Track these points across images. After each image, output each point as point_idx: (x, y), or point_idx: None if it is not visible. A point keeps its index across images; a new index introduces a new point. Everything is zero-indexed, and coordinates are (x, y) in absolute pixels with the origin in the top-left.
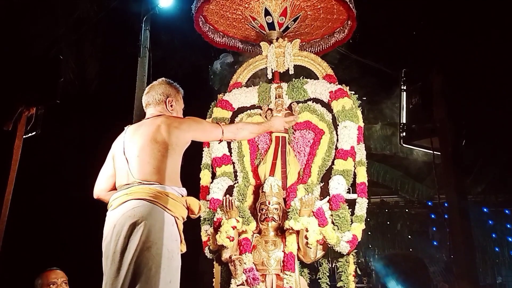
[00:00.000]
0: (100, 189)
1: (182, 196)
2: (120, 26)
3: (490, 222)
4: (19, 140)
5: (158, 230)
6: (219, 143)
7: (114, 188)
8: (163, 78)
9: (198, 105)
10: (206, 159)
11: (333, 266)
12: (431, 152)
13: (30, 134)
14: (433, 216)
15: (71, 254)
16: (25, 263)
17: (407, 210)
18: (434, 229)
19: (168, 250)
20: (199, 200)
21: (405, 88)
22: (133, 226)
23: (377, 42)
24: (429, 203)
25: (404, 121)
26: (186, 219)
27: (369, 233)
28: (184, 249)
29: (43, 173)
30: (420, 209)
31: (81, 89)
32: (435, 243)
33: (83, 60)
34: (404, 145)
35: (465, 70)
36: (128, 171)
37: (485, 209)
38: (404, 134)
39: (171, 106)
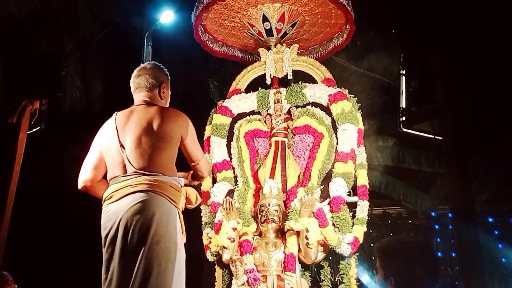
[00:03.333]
0: (86, 179)
1: (181, 186)
2: (123, 43)
3: (496, 232)
4: (23, 133)
5: (165, 223)
6: (190, 164)
7: (100, 178)
8: (154, 62)
9: (199, 118)
10: None
11: (336, 280)
12: (432, 136)
13: (34, 130)
14: (437, 227)
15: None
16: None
17: (410, 221)
18: (438, 240)
19: (175, 243)
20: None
21: (404, 72)
22: (142, 220)
23: (375, 27)
24: (433, 214)
25: (404, 106)
26: (183, 209)
27: (372, 245)
28: (184, 240)
29: (49, 190)
30: (423, 220)
31: (87, 106)
32: (439, 254)
33: (88, 77)
34: (404, 129)
35: (465, 50)
36: (126, 161)
37: (490, 219)
38: (404, 118)
39: (163, 92)
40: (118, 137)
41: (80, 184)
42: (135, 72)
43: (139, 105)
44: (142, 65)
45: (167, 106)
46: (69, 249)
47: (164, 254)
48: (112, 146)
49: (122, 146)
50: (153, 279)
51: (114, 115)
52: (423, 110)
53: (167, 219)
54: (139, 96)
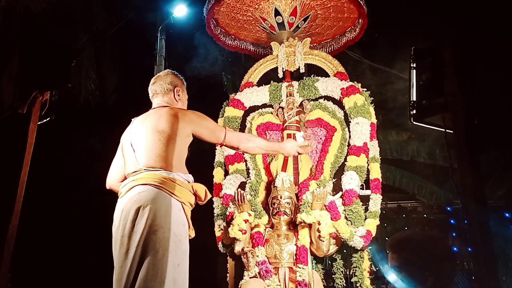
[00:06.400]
0: (112, 180)
1: (189, 182)
2: (137, 37)
3: None
4: (33, 124)
5: (164, 214)
6: (220, 146)
7: (125, 178)
8: (168, 70)
9: (212, 111)
10: (219, 157)
11: (350, 273)
12: (443, 130)
13: (45, 120)
14: (452, 221)
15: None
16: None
17: (425, 216)
18: (454, 234)
19: (176, 234)
20: (213, 197)
21: (414, 65)
22: (139, 210)
23: (386, 20)
24: (448, 208)
25: (414, 99)
26: (194, 206)
27: (386, 238)
28: (193, 234)
29: (65, 181)
30: (439, 215)
31: (102, 99)
32: (455, 249)
33: (102, 70)
34: (414, 122)
35: (476, 41)
36: (134, 159)
37: (507, 214)
38: (414, 111)
39: (178, 95)
40: (131, 138)
41: (107, 185)
42: (151, 80)
43: (154, 108)
44: (157, 74)
45: (185, 108)
46: (84, 241)
47: (161, 243)
48: (127, 147)
49: (132, 146)
50: (149, 267)
51: (132, 120)
52: (434, 103)
53: (166, 210)
54: (155, 101)
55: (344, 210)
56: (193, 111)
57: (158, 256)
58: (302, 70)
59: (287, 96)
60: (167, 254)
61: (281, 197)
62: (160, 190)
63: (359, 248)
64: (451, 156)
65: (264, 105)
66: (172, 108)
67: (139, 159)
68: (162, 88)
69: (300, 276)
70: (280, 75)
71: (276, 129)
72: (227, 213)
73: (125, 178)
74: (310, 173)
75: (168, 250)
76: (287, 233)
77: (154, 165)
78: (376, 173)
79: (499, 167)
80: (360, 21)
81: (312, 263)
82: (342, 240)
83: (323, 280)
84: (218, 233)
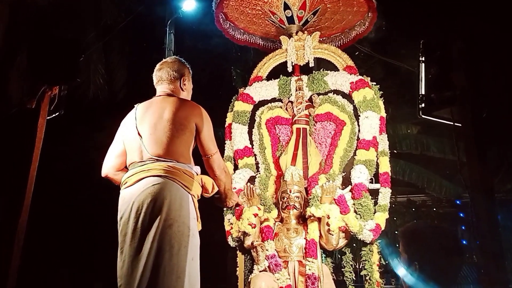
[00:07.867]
0: (108, 167)
1: (197, 174)
2: (145, 31)
3: None
4: (42, 118)
5: (178, 207)
6: (202, 157)
7: (122, 167)
8: (175, 56)
9: (221, 106)
10: (228, 152)
11: (360, 267)
12: (452, 123)
13: (54, 115)
14: (462, 215)
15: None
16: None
17: (434, 209)
18: (463, 227)
19: (188, 227)
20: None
21: (423, 59)
22: (153, 203)
23: (395, 13)
24: (458, 202)
25: (423, 92)
26: (200, 198)
27: (396, 232)
28: (200, 227)
29: (74, 177)
30: (448, 208)
31: (111, 94)
32: (464, 242)
33: (111, 65)
34: (423, 116)
35: (485, 35)
36: (142, 148)
37: None
38: (423, 105)
39: (184, 84)
40: (136, 126)
41: (103, 172)
42: (157, 66)
43: (160, 96)
44: (163, 60)
45: (189, 98)
46: (91, 235)
47: (176, 238)
48: (131, 134)
49: (139, 134)
50: (165, 261)
51: (135, 106)
52: (443, 97)
53: (180, 203)
54: (160, 88)
55: (354, 204)
56: (204, 111)
57: (174, 250)
58: (311, 64)
59: (296, 90)
60: (182, 248)
61: (290, 191)
62: (174, 182)
63: (368, 242)
64: (460, 149)
65: (274, 99)
66: (179, 98)
67: (147, 148)
68: (169, 75)
69: (309, 269)
70: (290, 69)
71: (285, 123)
72: (237, 208)
73: (125, 166)
74: (320, 167)
75: (183, 244)
76: (296, 227)
77: (163, 155)
78: (385, 167)
79: (507, 160)
80: (369, 15)
81: (322, 256)
82: (352, 233)
83: (333, 274)
84: (227, 227)
